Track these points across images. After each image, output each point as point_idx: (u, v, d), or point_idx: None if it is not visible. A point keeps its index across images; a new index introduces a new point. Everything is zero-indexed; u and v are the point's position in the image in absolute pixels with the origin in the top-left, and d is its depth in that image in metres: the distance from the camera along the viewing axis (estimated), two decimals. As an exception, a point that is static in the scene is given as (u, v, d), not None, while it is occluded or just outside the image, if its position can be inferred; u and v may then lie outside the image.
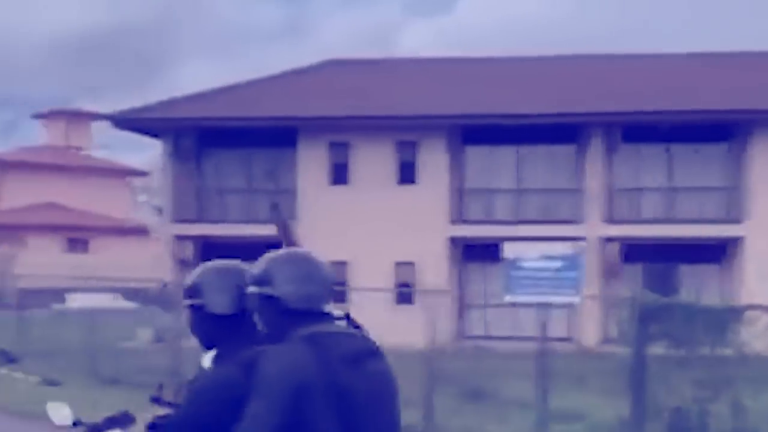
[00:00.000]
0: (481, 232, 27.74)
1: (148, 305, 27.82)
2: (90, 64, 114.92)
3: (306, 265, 3.55)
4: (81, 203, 52.23)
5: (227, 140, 30.03)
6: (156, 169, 43.01)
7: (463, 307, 28.89)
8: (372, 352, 3.48)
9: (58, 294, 35.43)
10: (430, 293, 22.60)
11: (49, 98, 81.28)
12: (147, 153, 52.11)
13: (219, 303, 3.70)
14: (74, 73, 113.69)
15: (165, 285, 23.38)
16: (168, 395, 3.78)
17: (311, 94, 30.35)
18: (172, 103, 31.27)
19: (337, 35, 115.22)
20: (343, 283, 26.60)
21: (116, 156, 61.33)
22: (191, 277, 3.77)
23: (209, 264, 3.83)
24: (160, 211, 30.90)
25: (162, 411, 3.77)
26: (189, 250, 29.51)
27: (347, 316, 3.54)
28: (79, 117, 58.48)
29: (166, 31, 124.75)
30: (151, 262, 31.35)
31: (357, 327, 3.54)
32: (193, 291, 3.75)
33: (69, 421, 4.08)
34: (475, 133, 28.82)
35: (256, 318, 3.55)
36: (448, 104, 28.98)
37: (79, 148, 58.27)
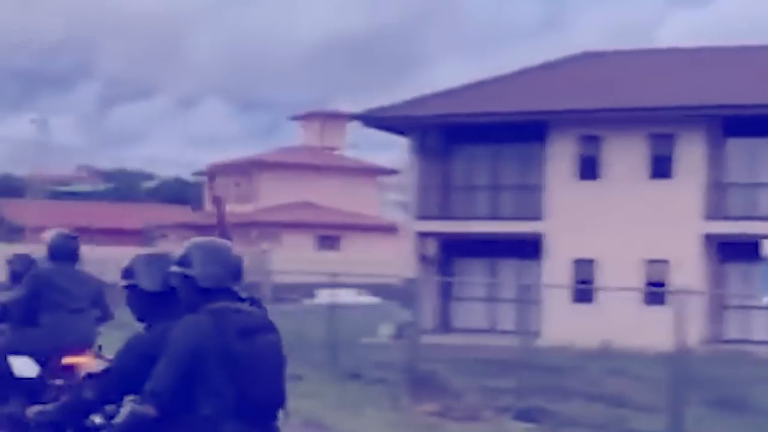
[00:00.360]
0: (741, 229, 25.75)
1: (391, 301, 27.79)
2: (346, 66, 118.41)
3: (216, 251, 4.43)
4: (333, 202, 53.53)
5: (474, 136, 29.58)
6: (404, 167, 43.26)
7: (718, 309, 26.96)
8: (263, 327, 4.30)
9: (309, 290, 36.23)
10: (682, 293, 21.10)
11: (307, 100, 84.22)
12: (397, 151, 52.84)
13: (149, 282, 4.66)
14: (331, 75, 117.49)
15: (407, 281, 23.20)
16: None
17: (562, 87, 29.40)
18: (419, 100, 31.17)
19: (593, 30, 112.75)
20: (589, 282, 25.48)
21: (367, 155, 62.54)
22: (129, 262, 4.73)
23: (141, 252, 4.90)
24: (407, 208, 30.87)
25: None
26: (432, 247, 29.28)
27: (251, 298, 4.45)
28: (333, 118, 60.02)
29: (420, 32, 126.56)
30: (398, 259, 31.38)
31: (258, 306, 4.44)
32: (127, 273, 4.75)
33: (33, 373, 5.37)
34: (737, 124, 26.83)
35: (178, 294, 4.41)
36: (707, 95, 27.17)
37: (333, 148, 59.82)
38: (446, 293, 28.97)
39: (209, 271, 4.34)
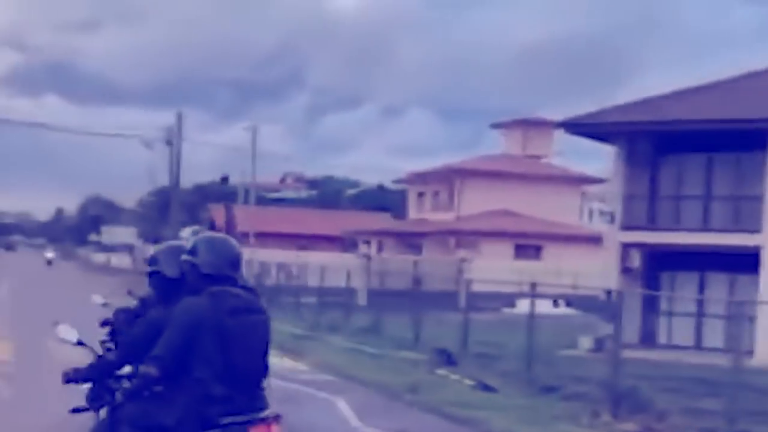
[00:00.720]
0: None
1: (591, 313, 26.81)
2: (551, 74, 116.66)
3: (219, 244, 5.46)
4: (533, 210, 52.62)
5: (685, 144, 28.14)
6: (610, 175, 41.92)
7: None
8: (252, 309, 5.29)
9: (508, 299, 35.63)
10: None
11: (511, 108, 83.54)
12: (602, 160, 51.41)
13: (170, 269, 5.69)
14: (536, 83, 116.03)
15: (609, 293, 22.23)
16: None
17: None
18: (626, 107, 29.97)
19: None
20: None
21: (572, 164, 61.18)
22: (153, 251, 5.85)
23: (164, 242, 6.12)
24: (611, 218, 29.74)
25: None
26: (637, 259, 28.08)
27: (246, 285, 5.40)
28: (536, 126, 59.11)
29: (628, 39, 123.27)
30: (600, 270, 30.30)
31: (252, 293, 5.38)
32: (152, 261, 5.84)
33: (73, 338, 5.89)
34: None
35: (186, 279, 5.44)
36: None
37: (536, 157, 58.91)
38: (650, 306, 27.73)
39: (211, 260, 5.35)
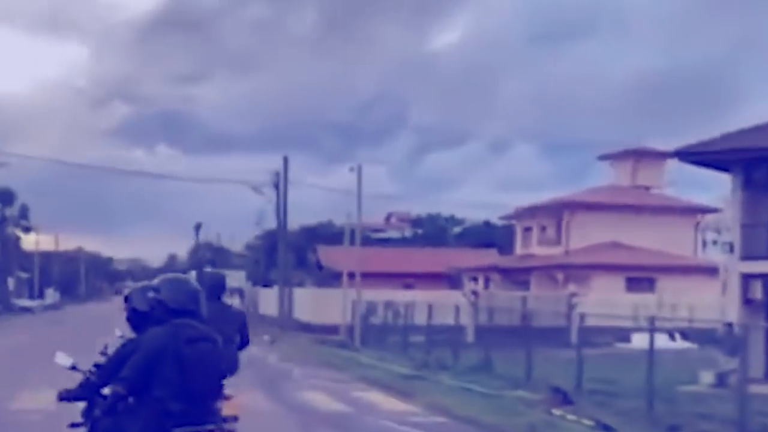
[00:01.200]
0: None
1: (709, 346, 25.74)
2: (657, 104, 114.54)
3: (181, 282, 6.66)
4: (644, 242, 51.27)
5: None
6: (726, 205, 40.53)
7: None
8: (204, 338, 6.35)
9: (620, 333, 34.59)
10: None
11: (615, 140, 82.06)
12: (714, 189, 49.92)
13: (140, 304, 6.70)
14: (640, 114, 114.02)
15: (729, 326, 21.24)
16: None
17: None
18: (740, 134, 28.88)
19: None
20: None
21: (683, 194, 59.50)
22: (128, 291, 7.02)
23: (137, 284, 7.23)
24: (730, 248, 28.59)
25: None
26: (758, 289, 26.87)
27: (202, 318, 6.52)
28: (647, 156, 57.81)
29: (735, 67, 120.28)
30: (718, 302, 29.12)
31: (204, 323, 6.46)
32: (126, 299, 6.88)
33: (68, 363, 7.12)
34: None
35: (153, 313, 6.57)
36: None
37: (646, 187, 57.55)
38: (775, 339, 26.46)
39: (174, 297, 6.43)
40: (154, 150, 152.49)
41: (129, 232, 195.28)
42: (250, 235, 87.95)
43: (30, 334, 42.63)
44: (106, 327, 11.19)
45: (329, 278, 61.22)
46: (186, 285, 6.63)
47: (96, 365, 6.99)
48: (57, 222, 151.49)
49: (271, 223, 62.40)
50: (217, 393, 6.57)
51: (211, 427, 6.38)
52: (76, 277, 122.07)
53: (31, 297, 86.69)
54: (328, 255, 65.05)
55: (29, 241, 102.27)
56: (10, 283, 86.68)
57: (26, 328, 48.57)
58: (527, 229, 58.76)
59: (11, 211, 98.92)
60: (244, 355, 9.44)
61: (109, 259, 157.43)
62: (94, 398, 6.60)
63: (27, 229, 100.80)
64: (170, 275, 6.87)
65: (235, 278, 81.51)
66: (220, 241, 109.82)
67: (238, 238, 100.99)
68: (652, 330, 19.18)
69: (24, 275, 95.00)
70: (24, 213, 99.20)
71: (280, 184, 51.91)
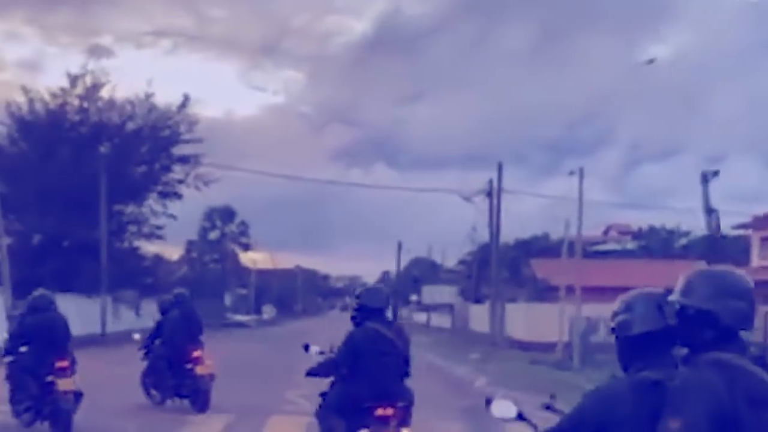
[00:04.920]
0: None
1: None
2: None
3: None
4: None
5: None
6: None
7: None
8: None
9: None
10: None
11: None
12: None
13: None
14: None
15: None
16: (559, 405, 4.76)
17: None
18: None
19: None
20: None
21: None
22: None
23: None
24: None
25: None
26: None
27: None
28: None
29: None
30: None
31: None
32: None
33: (512, 414, 5.09)
34: None
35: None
36: None
37: None
38: None
39: (729, 305, 3.63)
40: (370, 170, 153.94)
41: (344, 250, 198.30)
42: (462, 249, 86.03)
43: (245, 344, 41.91)
44: (314, 340, 11.45)
45: (544, 293, 58.17)
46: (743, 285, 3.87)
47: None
48: (275, 240, 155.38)
49: (484, 237, 59.99)
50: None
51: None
52: (292, 294, 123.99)
53: (248, 313, 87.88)
54: (543, 268, 61.96)
55: (248, 258, 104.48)
56: (227, 298, 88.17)
57: (240, 341, 48.02)
58: (765, 240, 53.60)
59: (231, 228, 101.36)
60: (449, 378, 7.95)
61: (325, 277, 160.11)
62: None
63: (246, 246, 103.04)
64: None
65: (446, 294, 79.45)
66: (431, 255, 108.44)
67: (450, 252, 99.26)
68: None
69: (242, 291, 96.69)
70: (243, 230, 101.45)
71: (493, 191, 49.17)
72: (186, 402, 16.91)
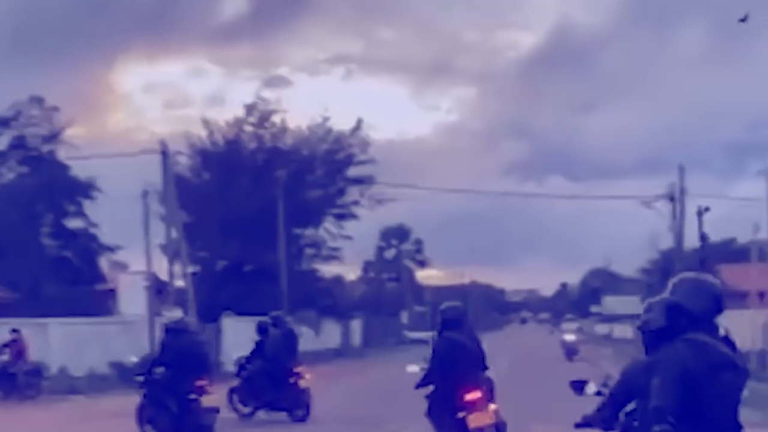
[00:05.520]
0: None
1: None
2: None
3: (702, 282, 5.54)
4: None
5: None
6: None
7: None
8: (729, 365, 5.40)
9: None
10: None
11: None
12: None
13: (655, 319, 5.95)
14: None
15: None
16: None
17: None
18: None
19: None
20: None
21: None
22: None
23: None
24: None
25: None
26: None
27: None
28: None
29: None
30: None
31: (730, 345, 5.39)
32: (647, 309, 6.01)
33: (592, 391, 6.92)
34: None
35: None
36: None
37: None
38: None
39: (696, 301, 5.22)
40: (544, 182, 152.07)
41: (520, 264, 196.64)
42: (641, 258, 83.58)
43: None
44: (492, 355, 12.49)
45: (732, 299, 55.71)
46: (708, 286, 5.38)
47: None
48: (450, 256, 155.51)
49: (666, 243, 57.92)
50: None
51: None
52: (469, 309, 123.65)
53: (426, 329, 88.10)
54: (731, 274, 59.33)
55: (423, 275, 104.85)
56: (405, 316, 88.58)
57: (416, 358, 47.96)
58: None
59: (406, 247, 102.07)
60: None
61: (501, 291, 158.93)
62: (612, 420, 6.32)
63: (421, 264, 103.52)
64: (687, 274, 5.67)
65: (628, 304, 77.24)
66: (610, 266, 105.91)
67: (629, 262, 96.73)
68: None
69: (419, 309, 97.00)
70: (419, 248, 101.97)
71: (675, 195, 47.34)
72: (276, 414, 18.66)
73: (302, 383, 18.33)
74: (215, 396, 14.79)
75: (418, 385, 11.54)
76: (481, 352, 11.57)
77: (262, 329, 19.11)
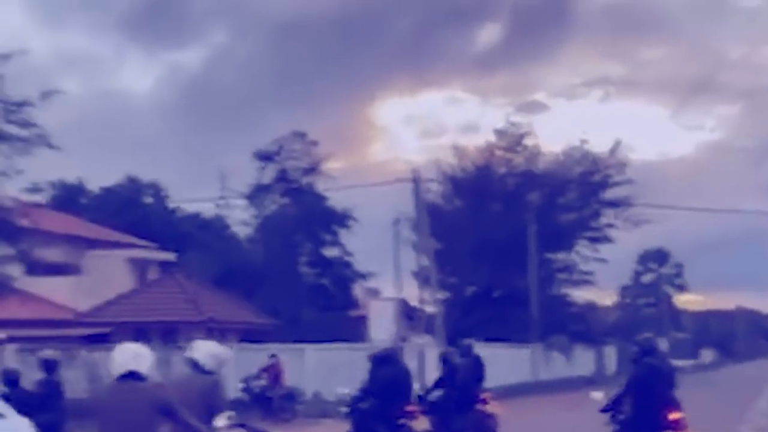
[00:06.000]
0: None
1: None
2: None
3: None
4: None
5: None
6: None
7: None
8: None
9: None
10: None
11: None
12: None
13: None
14: None
15: None
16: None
17: None
18: None
19: None
20: None
21: None
22: None
23: None
24: None
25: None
26: None
27: None
28: None
29: None
30: None
31: None
32: None
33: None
34: None
35: None
36: None
37: None
38: None
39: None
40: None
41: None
42: None
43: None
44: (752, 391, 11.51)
45: None
46: None
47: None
48: (712, 280, 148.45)
49: None
50: None
51: None
52: (732, 337, 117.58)
53: (685, 357, 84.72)
54: None
55: (683, 300, 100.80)
56: (663, 342, 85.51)
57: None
58: None
59: (665, 271, 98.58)
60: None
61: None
62: None
63: (681, 288, 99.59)
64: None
65: None
66: None
67: None
68: None
69: (678, 335, 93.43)
70: (678, 272, 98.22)
71: None
72: None
73: (489, 408, 18.51)
74: (420, 421, 15.29)
75: (605, 410, 12.74)
76: (673, 373, 12.84)
77: (446, 360, 18.99)
